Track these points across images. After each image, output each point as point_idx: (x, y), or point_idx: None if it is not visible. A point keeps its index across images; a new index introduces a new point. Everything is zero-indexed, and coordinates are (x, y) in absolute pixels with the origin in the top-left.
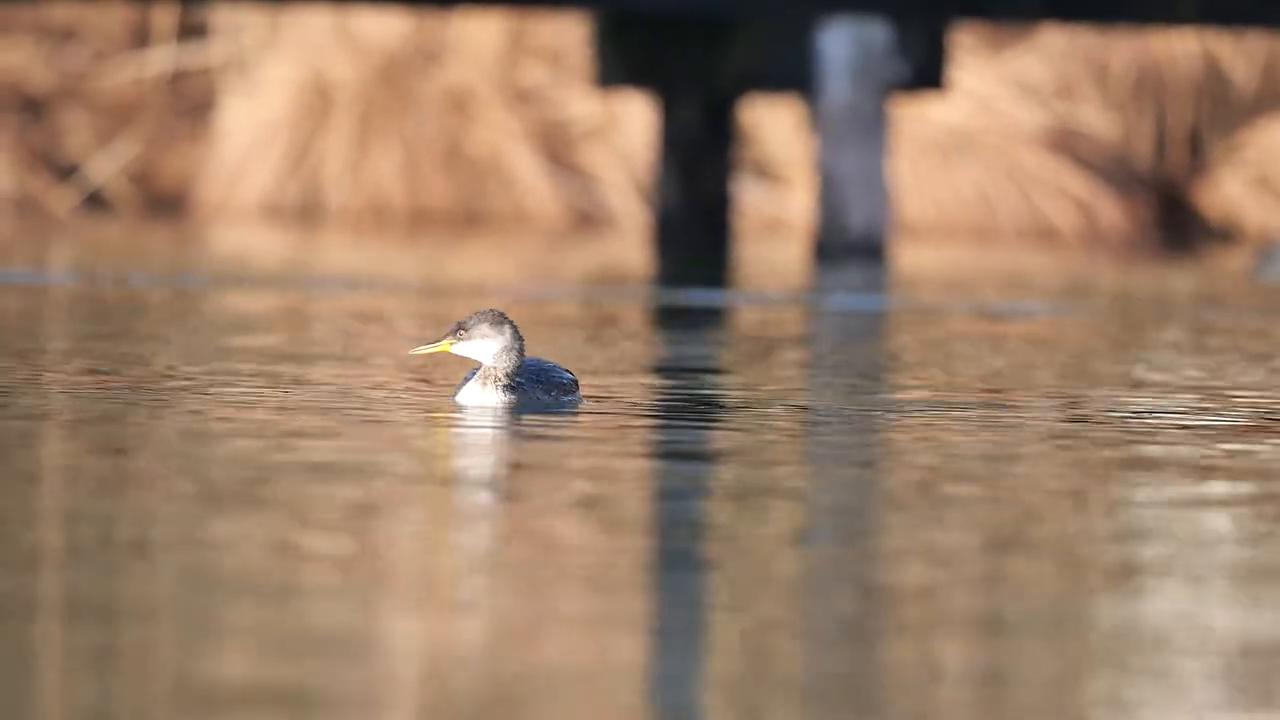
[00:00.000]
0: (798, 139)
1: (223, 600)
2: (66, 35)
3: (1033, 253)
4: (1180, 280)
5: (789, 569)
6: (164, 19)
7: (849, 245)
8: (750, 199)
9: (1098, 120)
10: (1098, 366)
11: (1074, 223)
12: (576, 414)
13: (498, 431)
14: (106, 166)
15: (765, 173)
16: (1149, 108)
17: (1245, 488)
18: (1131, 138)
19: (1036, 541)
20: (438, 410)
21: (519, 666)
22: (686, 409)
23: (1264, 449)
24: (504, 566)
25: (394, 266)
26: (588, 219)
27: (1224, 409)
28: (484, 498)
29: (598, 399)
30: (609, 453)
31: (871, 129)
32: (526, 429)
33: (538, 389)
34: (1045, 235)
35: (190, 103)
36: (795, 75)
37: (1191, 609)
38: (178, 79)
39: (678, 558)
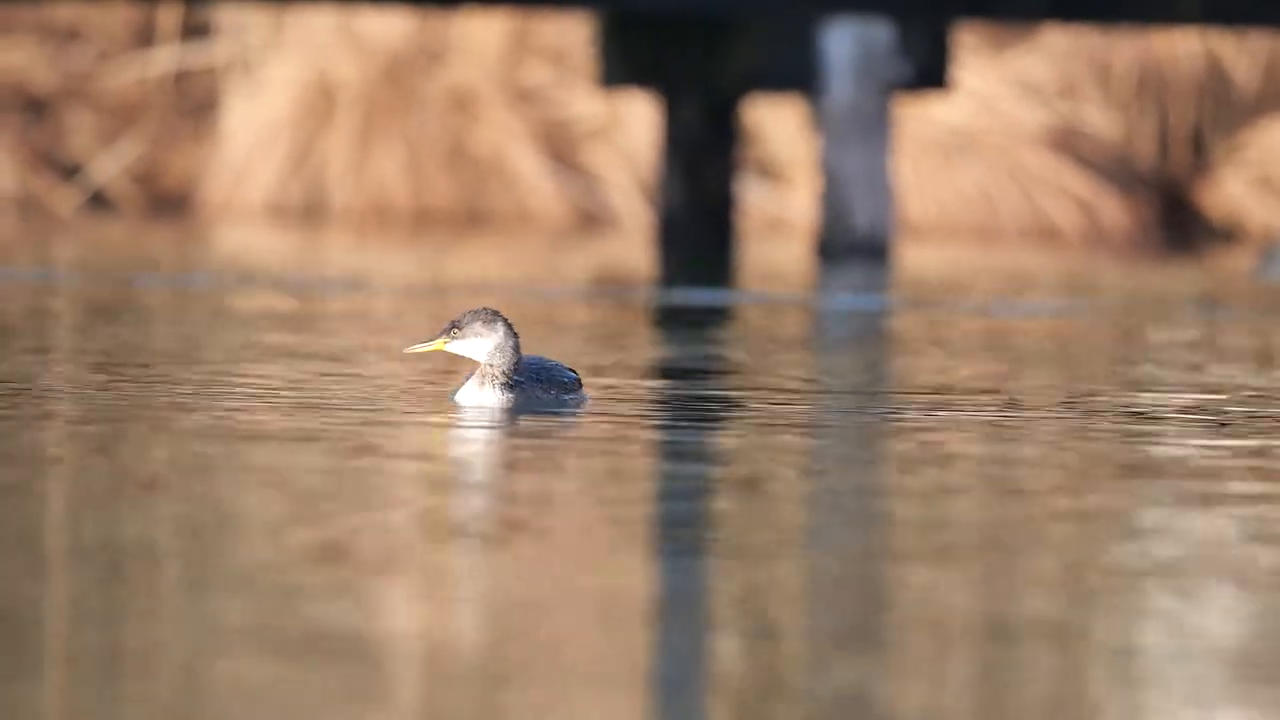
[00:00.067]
0: (801, 139)
1: (222, 602)
2: (70, 35)
3: (1035, 252)
4: (1183, 280)
5: (790, 569)
6: (168, 19)
7: (852, 245)
8: (753, 199)
9: (1100, 120)
10: (1100, 366)
11: (1076, 222)
12: (576, 413)
13: (493, 431)
14: (110, 166)
15: (768, 172)
16: (1151, 107)
17: (1247, 488)
18: (1134, 137)
19: (1037, 541)
20: (438, 410)
21: (512, 672)
22: (689, 409)
23: (1266, 449)
24: (500, 567)
25: (397, 266)
26: (591, 219)
27: (1225, 409)
28: (478, 498)
29: (599, 399)
30: (609, 453)
31: (874, 129)
32: (523, 428)
33: (537, 387)
34: (1047, 235)
35: (194, 103)
36: (798, 75)
37: (1193, 610)
38: (181, 79)
39: (678, 560)
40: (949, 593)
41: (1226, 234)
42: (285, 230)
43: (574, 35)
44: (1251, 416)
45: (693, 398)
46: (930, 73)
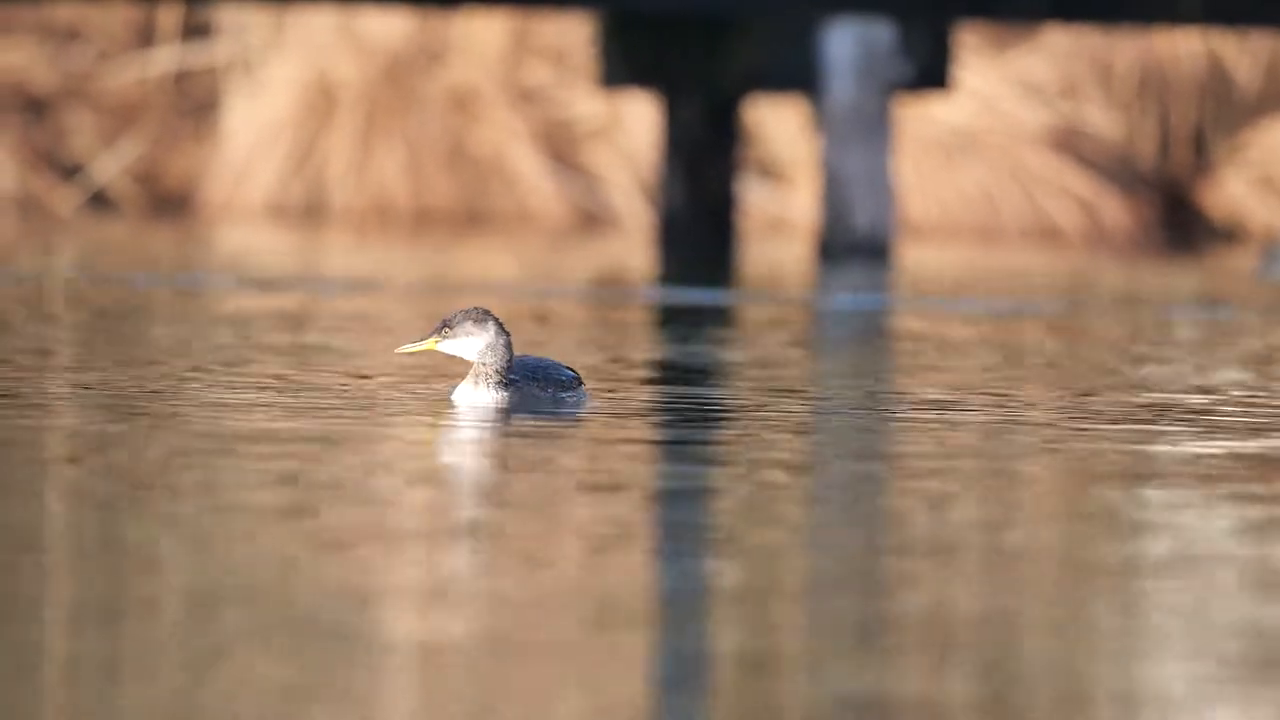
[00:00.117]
0: (802, 139)
1: (221, 602)
2: (70, 35)
3: (1036, 252)
4: (1184, 280)
5: (790, 569)
6: (168, 19)
7: (853, 245)
8: (754, 199)
9: (1101, 120)
10: (1101, 366)
11: (1078, 222)
12: (577, 413)
13: (489, 429)
14: (110, 166)
15: (769, 172)
16: (1153, 107)
17: (1248, 488)
18: (1135, 137)
19: (1038, 541)
20: (433, 410)
21: (509, 670)
22: (689, 409)
23: (1267, 449)
24: (498, 565)
25: (397, 266)
26: (592, 219)
27: (1226, 408)
28: (474, 500)
29: (599, 399)
30: (609, 452)
31: (876, 129)
32: (519, 428)
33: (534, 386)
34: (1049, 235)
35: (194, 103)
36: (800, 75)
37: (1192, 610)
38: (182, 79)
39: (678, 562)
40: (949, 592)
41: (1228, 234)
42: (286, 230)
43: (574, 35)
44: (1252, 416)
45: (693, 398)
46: (931, 73)
